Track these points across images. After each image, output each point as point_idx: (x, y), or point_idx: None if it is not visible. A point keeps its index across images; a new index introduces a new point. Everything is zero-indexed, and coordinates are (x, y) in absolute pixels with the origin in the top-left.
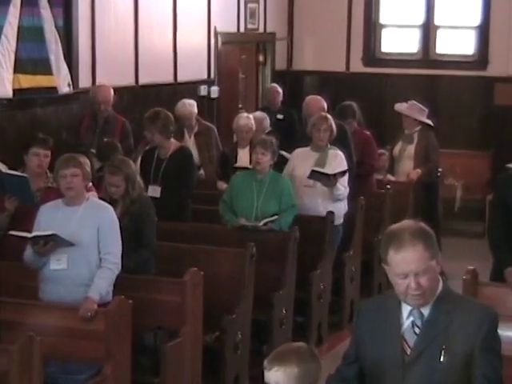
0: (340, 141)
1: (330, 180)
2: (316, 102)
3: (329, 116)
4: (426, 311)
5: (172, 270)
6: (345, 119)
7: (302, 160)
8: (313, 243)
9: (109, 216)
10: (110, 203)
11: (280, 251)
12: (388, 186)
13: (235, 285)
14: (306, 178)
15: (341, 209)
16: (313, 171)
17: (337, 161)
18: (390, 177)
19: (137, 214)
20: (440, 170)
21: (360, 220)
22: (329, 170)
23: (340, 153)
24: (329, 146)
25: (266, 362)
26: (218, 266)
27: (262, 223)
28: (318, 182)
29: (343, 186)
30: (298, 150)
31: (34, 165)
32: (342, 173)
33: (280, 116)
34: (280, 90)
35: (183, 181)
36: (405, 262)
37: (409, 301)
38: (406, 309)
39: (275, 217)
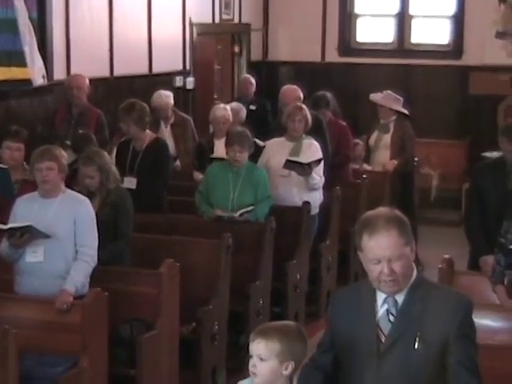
0: (315, 131)
1: (304, 169)
2: (292, 92)
3: (304, 106)
4: (400, 299)
5: (148, 261)
6: (318, 109)
7: (276, 150)
8: (289, 234)
9: (85, 209)
10: (87, 196)
11: (256, 242)
12: (364, 176)
13: (211, 276)
14: (281, 168)
15: (316, 199)
16: (287, 161)
17: (311, 150)
18: (366, 166)
19: (114, 205)
20: (416, 159)
21: (336, 210)
22: (303, 159)
23: (314, 142)
24: (303, 136)
25: (251, 334)
26: (194, 258)
27: (238, 214)
28: (293, 171)
29: (318, 175)
30: (273, 141)
31: (6, 158)
32: (317, 162)
33: (253, 107)
34: (253, 81)
35: (159, 172)
36: (378, 247)
37: (382, 287)
38: (380, 297)
39: (251, 207)
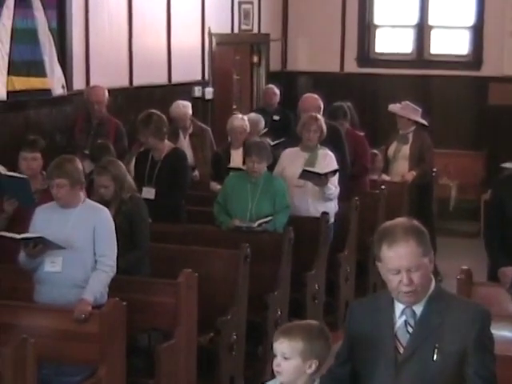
0: (334, 142)
1: (321, 179)
2: (313, 101)
3: (319, 116)
4: (418, 310)
5: (166, 271)
6: (336, 120)
7: (291, 160)
8: (307, 244)
9: (104, 218)
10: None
11: (274, 252)
12: (382, 187)
13: (229, 286)
14: (297, 179)
15: (331, 208)
16: (304, 171)
17: (326, 160)
18: (384, 177)
19: (129, 215)
20: (434, 170)
21: (354, 220)
22: (319, 169)
23: (330, 153)
24: (318, 146)
25: (275, 333)
26: (212, 268)
27: (256, 224)
28: (310, 181)
29: (334, 185)
30: (288, 151)
31: (23, 168)
32: (333, 172)
33: (276, 117)
34: (277, 91)
35: (177, 182)
36: (397, 257)
37: (401, 298)
38: (398, 308)
39: (269, 218)
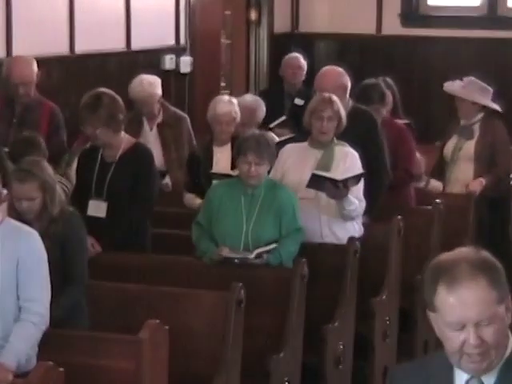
0: (365, 135)
1: (338, 189)
2: (335, 76)
3: (334, 98)
4: (489, 381)
5: (123, 322)
6: (369, 104)
7: (296, 161)
8: (326, 283)
9: (33, 246)
10: None
11: (280, 295)
12: (438, 201)
13: (215, 344)
14: (304, 188)
15: (353, 231)
16: (314, 176)
17: (347, 162)
18: (435, 184)
19: (60, 238)
20: None
21: (396, 250)
22: (335, 174)
23: (351, 150)
24: (335, 140)
25: None
26: (190, 317)
27: (253, 255)
28: (321, 191)
29: (357, 197)
30: (290, 147)
31: None
32: (356, 178)
33: (299, 101)
34: (304, 64)
35: (139, 194)
36: (462, 306)
37: (465, 364)
38: (460, 377)
39: (273, 245)
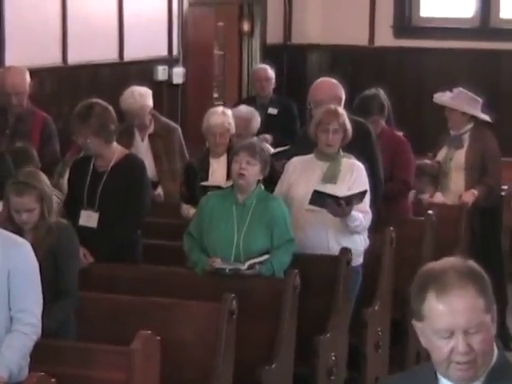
0: (361, 147)
1: (340, 207)
2: (329, 88)
3: (340, 110)
4: None
5: (114, 333)
6: (367, 115)
7: (303, 173)
8: (319, 295)
9: (25, 257)
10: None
11: (272, 306)
12: (430, 212)
13: (207, 355)
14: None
15: (359, 243)
16: (315, 192)
17: (353, 175)
18: (438, 196)
19: (55, 249)
20: (505, 187)
21: (389, 261)
22: (341, 189)
23: (358, 163)
24: (341, 152)
25: None
26: (181, 328)
27: (246, 266)
28: (324, 208)
29: (363, 211)
30: (296, 160)
31: None
32: (360, 195)
33: (273, 110)
34: (272, 74)
35: (130, 204)
36: (451, 313)
37: (452, 372)
38: None
39: (265, 257)
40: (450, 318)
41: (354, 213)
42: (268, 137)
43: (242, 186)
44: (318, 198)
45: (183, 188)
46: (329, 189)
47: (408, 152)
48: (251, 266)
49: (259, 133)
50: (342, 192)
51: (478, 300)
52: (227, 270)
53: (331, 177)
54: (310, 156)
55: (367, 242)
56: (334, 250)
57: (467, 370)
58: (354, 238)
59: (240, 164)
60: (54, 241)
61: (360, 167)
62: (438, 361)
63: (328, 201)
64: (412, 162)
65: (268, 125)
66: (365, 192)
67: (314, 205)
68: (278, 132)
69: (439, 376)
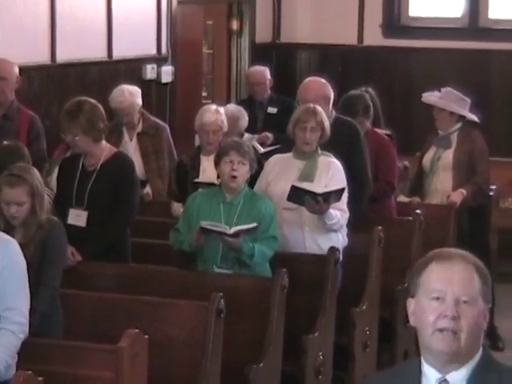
0: (350, 147)
1: (317, 204)
2: (318, 87)
3: (318, 109)
4: None
5: (102, 331)
6: (353, 115)
7: (281, 172)
8: (306, 294)
9: (12, 255)
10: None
11: (260, 305)
12: (418, 211)
13: (194, 353)
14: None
15: (336, 242)
16: (293, 188)
17: (330, 172)
18: (414, 199)
19: (43, 245)
20: (493, 187)
21: (376, 260)
22: (316, 186)
23: (336, 161)
24: (319, 151)
25: None
26: (170, 327)
27: (232, 231)
28: (301, 205)
29: (340, 209)
30: (275, 158)
31: None
32: (338, 193)
33: (272, 109)
34: (265, 77)
35: (120, 203)
36: (448, 277)
37: (435, 343)
38: (428, 379)
39: (253, 224)
40: (446, 280)
41: (331, 210)
42: (269, 135)
43: (233, 188)
44: (296, 194)
45: (174, 186)
46: (306, 186)
47: (392, 153)
48: (237, 234)
49: (260, 132)
50: (319, 188)
51: (477, 280)
52: (213, 233)
53: (307, 175)
54: (289, 154)
55: (346, 240)
56: (312, 248)
57: (450, 341)
58: (331, 236)
59: (232, 165)
60: (44, 237)
61: (337, 165)
62: (423, 326)
63: (306, 197)
64: (395, 163)
65: (268, 124)
66: (343, 190)
67: (292, 201)
68: (277, 131)
69: (423, 370)
